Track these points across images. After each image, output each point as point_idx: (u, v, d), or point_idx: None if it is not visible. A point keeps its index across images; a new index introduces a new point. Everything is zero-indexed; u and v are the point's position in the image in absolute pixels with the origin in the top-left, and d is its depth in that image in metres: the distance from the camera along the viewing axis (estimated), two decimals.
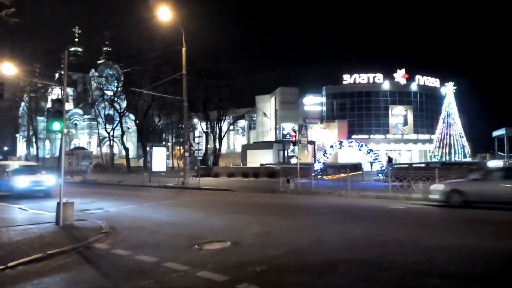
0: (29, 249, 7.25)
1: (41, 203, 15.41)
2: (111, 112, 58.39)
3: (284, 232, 9.28)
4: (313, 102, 65.62)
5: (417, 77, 65.62)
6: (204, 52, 43.77)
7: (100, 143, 63.17)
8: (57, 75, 60.61)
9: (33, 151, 60.53)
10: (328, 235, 8.90)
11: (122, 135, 55.21)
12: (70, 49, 74.99)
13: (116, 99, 55.86)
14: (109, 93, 57.99)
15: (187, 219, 11.66)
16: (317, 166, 31.01)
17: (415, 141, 64.44)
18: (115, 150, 65.87)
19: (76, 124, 77.31)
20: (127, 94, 54.96)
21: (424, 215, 12.26)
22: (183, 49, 25.67)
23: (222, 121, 54.20)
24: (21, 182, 17.72)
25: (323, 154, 32.25)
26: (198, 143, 29.17)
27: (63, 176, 10.68)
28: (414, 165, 39.33)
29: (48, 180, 18.66)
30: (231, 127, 66.25)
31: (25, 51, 38.11)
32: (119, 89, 57.41)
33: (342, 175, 30.15)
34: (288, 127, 62.34)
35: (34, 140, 58.38)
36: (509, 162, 41.93)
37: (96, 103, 58.21)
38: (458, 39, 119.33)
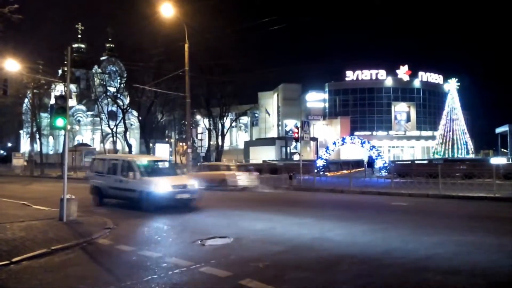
0: (33, 245, 7.30)
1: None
2: (114, 108, 58.33)
3: (286, 228, 9.31)
4: (316, 99, 65.49)
5: (420, 73, 65.38)
6: (207, 49, 43.69)
7: (103, 139, 63.25)
8: (60, 71, 60.73)
9: (37, 147, 60.77)
10: (330, 231, 8.93)
11: (125, 132, 55.22)
12: (73, 46, 75.00)
13: (119, 95, 55.79)
14: (112, 89, 57.97)
15: (189, 215, 11.70)
16: (320, 163, 31.04)
17: (418, 138, 64.28)
18: (118, 146, 65.89)
19: (79, 121, 77.45)
20: (130, 90, 54.87)
21: None
22: (186, 46, 25.60)
23: (225, 118, 54.14)
24: (160, 187, 11.94)
25: (326, 151, 32.28)
26: (201, 140, 29.29)
27: (66, 172, 10.74)
28: (416, 162, 39.25)
29: (194, 184, 13.17)
30: (234, 124, 66.18)
31: (28, 48, 38.06)
32: (122, 85, 57.31)
33: (345, 171, 30.16)
34: (290, 124, 62.29)
35: (37, 136, 58.52)
36: None
37: (99, 100, 58.20)
38: (462, 35, 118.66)
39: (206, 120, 58.30)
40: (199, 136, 29.57)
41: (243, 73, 51.75)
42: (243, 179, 20.22)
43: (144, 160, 13.85)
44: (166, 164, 14.83)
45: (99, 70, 67.50)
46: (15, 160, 41.57)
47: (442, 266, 6.01)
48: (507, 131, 50.51)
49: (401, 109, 65.70)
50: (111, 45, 76.13)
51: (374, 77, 64.31)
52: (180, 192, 12.21)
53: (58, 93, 53.60)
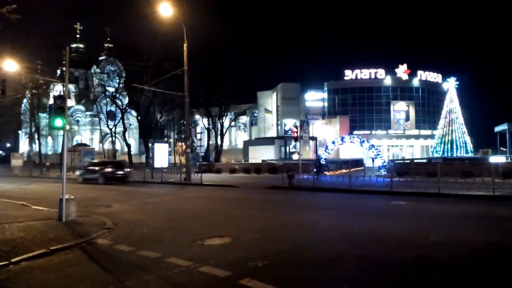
0: (32, 245, 7.29)
1: None
2: (113, 108, 58.40)
3: (285, 227, 9.31)
4: (315, 98, 65.53)
5: (419, 72, 65.45)
6: (206, 48, 43.77)
7: (102, 139, 63.28)
8: (58, 71, 60.78)
9: (36, 147, 60.79)
10: (329, 230, 8.93)
11: (124, 132, 55.30)
12: (72, 46, 74.96)
13: (117, 95, 55.88)
14: (111, 89, 58.03)
15: (189, 215, 11.70)
16: None
17: (417, 137, 64.35)
18: (117, 146, 65.95)
19: (78, 121, 77.44)
20: (128, 90, 54.99)
21: None
22: (185, 45, 25.61)
23: (224, 117, 54.27)
24: None
25: (325, 150, 32.24)
26: (200, 139, 29.28)
27: (65, 172, 10.73)
28: (416, 161, 39.34)
29: None
30: (233, 123, 66.30)
31: (27, 48, 38.07)
32: (120, 85, 57.41)
33: (344, 171, 30.17)
34: (289, 123, 62.34)
35: (36, 136, 58.54)
36: (511, 157, 41.80)
37: (98, 100, 58.26)
38: (460, 34, 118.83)
39: (205, 120, 58.39)
40: (198, 136, 29.56)
41: (242, 73, 52.02)
42: None
43: None
44: None
45: (98, 70, 67.49)
46: (14, 161, 41.43)
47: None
48: (506, 129, 50.61)
49: (400, 108, 65.76)
50: (110, 45, 76.09)
51: (373, 76, 64.38)
52: None
53: (56, 93, 53.59)
